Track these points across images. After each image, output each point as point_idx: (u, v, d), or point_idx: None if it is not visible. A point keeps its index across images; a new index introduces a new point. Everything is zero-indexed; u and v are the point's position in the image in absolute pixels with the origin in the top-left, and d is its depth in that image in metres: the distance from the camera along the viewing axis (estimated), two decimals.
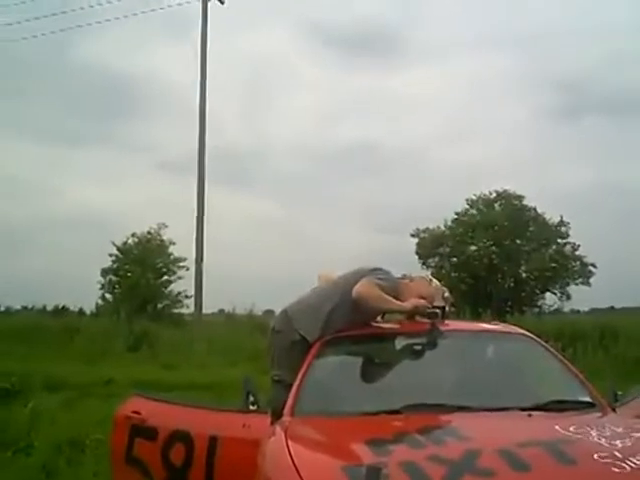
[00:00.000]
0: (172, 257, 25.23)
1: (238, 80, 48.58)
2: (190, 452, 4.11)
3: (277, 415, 3.70)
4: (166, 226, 25.22)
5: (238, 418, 4.11)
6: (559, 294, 27.57)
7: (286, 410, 3.65)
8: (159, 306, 25.04)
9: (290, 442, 3.10)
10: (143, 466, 4.36)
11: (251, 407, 4.43)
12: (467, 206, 28.44)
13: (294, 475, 2.81)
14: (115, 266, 24.78)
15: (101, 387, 11.25)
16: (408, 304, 4.03)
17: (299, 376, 3.84)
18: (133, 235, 25.21)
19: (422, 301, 4.06)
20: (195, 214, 22.31)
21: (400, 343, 4.13)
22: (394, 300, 4.00)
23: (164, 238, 25.27)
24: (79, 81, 41.99)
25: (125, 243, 25.08)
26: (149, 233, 25.18)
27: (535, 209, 27.60)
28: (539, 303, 28.09)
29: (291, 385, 3.82)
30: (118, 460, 4.54)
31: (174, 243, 25.21)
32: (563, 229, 27.43)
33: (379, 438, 3.11)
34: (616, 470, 2.75)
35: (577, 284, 27.26)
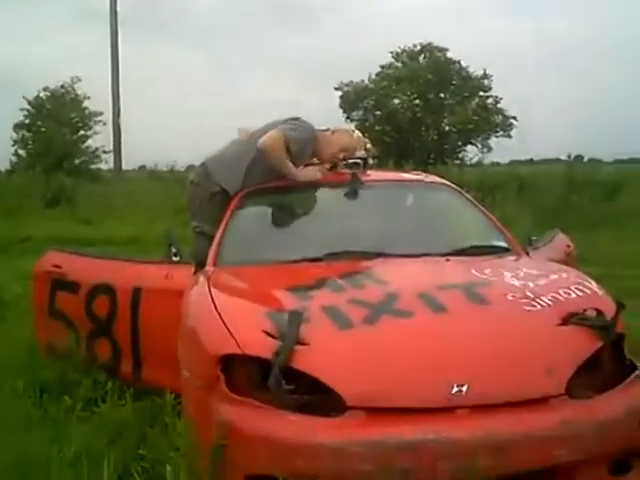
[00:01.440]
0: (87, 112, 24.41)
1: None
2: (114, 304, 4.10)
3: (200, 266, 3.71)
4: (80, 79, 24.22)
5: (161, 269, 4.10)
6: (480, 146, 28.04)
7: (209, 260, 3.65)
8: (77, 162, 24.38)
9: (213, 290, 3.12)
10: (66, 319, 4.35)
11: (174, 259, 4.41)
12: (392, 59, 28.10)
13: (217, 322, 2.84)
14: (28, 121, 23.81)
15: (19, 244, 11.04)
16: (302, 175, 3.99)
17: (221, 227, 3.83)
18: (45, 89, 24.17)
19: (317, 175, 4.03)
20: (110, 65, 21.36)
21: (321, 194, 4.13)
22: (291, 165, 3.93)
23: (78, 92, 24.32)
24: None
25: (37, 97, 24.02)
26: (62, 87, 24.16)
27: (459, 62, 27.50)
28: (461, 156, 28.55)
29: (213, 236, 3.81)
30: (41, 314, 4.51)
31: (89, 97, 24.35)
32: (486, 82, 27.51)
33: (301, 284, 3.16)
34: (527, 308, 2.89)
35: (498, 137, 27.72)
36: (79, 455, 2.98)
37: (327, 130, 4.14)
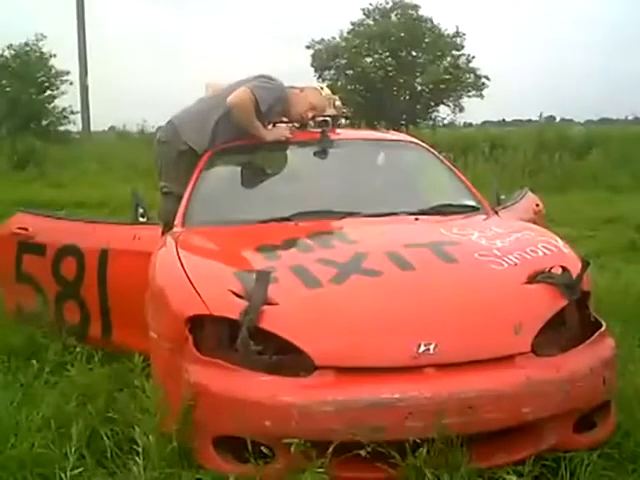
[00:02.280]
0: (54, 71, 23.86)
1: None
2: (81, 266, 4.05)
3: (168, 226, 3.67)
4: (45, 37, 23.65)
5: (128, 230, 4.04)
6: (453, 107, 28.01)
7: (176, 221, 3.62)
8: (44, 123, 23.91)
9: (181, 251, 3.09)
10: (34, 282, 4.30)
11: (141, 220, 4.36)
12: (363, 16, 27.83)
13: (185, 283, 2.82)
14: None
15: None
16: (270, 135, 3.95)
17: (189, 187, 3.78)
18: (9, 47, 23.57)
19: (284, 135, 3.99)
20: (76, 22, 20.89)
21: (291, 152, 4.09)
22: (259, 124, 3.89)
23: (44, 50, 23.75)
24: None
25: (1, 56, 23.43)
26: (27, 45, 23.57)
27: (431, 20, 27.34)
28: (433, 116, 28.52)
29: (180, 196, 3.77)
30: (7, 277, 4.45)
31: (55, 55, 23.80)
32: (458, 40, 27.38)
33: (269, 244, 3.15)
34: (494, 267, 2.91)
35: (470, 97, 27.69)
36: (47, 419, 2.96)
37: (296, 88, 4.09)
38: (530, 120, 21.41)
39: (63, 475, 2.60)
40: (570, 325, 2.81)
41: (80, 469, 2.65)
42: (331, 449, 2.36)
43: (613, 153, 14.41)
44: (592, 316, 2.88)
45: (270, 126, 4.03)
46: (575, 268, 2.88)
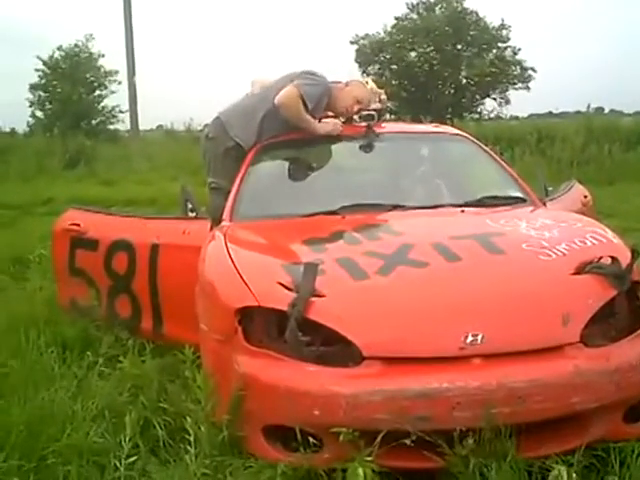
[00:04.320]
0: (103, 70, 24.22)
1: None
2: (132, 260, 4.13)
3: (216, 221, 3.72)
4: (94, 38, 24.02)
5: (178, 225, 4.10)
6: (499, 100, 27.71)
7: (225, 216, 3.67)
8: (94, 122, 24.30)
9: (230, 244, 3.14)
10: (87, 276, 4.39)
11: (190, 214, 4.43)
12: (407, 10, 27.69)
13: (234, 275, 2.87)
14: (43, 82, 23.71)
15: (41, 206, 11.09)
16: (323, 129, 3.98)
17: (237, 182, 3.84)
18: (59, 48, 23.99)
19: (337, 129, 4.01)
20: (123, 22, 21.17)
21: (336, 146, 4.11)
22: (311, 120, 3.92)
23: (93, 51, 24.14)
24: None
25: (52, 57, 23.87)
26: (76, 46, 23.97)
27: (476, 12, 27.07)
28: (479, 109, 28.26)
29: (228, 191, 3.82)
30: (61, 272, 4.56)
31: (103, 55, 24.14)
32: (504, 32, 27.08)
33: (316, 237, 3.18)
34: (542, 258, 2.89)
35: (517, 89, 27.40)
36: (102, 409, 3.04)
37: (341, 83, 4.11)
38: (578, 112, 20.98)
39: (118, 463, 2.67)
40: (620, 316, 2.77)
41: (134, 458, 2.72)
42: (379, 438, 2.38)
43: None
44: None
45: (319, 121, 4.05)
46: (625, 258, 2.85)
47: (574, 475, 2.40)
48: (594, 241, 3.04)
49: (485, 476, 2.38)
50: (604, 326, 2.71)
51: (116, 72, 23.94)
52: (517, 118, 27.67)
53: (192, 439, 2.69)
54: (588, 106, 18.43)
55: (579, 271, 2.82)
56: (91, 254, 4.32)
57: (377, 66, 27.74)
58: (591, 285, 2.77)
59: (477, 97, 27.79)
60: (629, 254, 2.90)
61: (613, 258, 2.84)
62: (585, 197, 4.89)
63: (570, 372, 2.49)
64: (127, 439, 2.73)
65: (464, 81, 27.09)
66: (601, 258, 2.86)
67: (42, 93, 24.00)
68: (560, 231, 3.16)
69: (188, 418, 2.77)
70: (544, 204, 3.92)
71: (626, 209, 9.11)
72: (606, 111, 24.87)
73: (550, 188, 4.54)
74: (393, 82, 26.09)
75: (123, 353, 3.71)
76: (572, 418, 2.54)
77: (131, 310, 4.19)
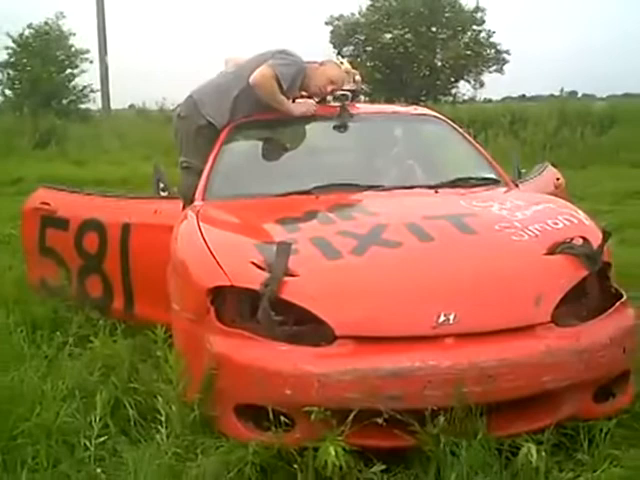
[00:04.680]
0: (74, 49, 23.86)
1: None
2: (104, 240, 4.08)
3: (188, 201, 3.69)
4: (64, 16, 23.64)
5: (150, 204, 4.07)
6: (473, 82, 27.75)
7: (197, 195, 3.64)
8: (65, 101, 23.97)
9: (202, 224, 3.12)
10: (57, 256, 4.35)
11: (162, 194, 4.38)
12: None
13: (207, 255, 2.85)
14: (13, 60, 23.31)
15: (10, 185, 10.95)
16: (297, 110, 3.95)
17: (209, 161, 3.80)
18: (30, 26, 23.58)
19: (311, 109, 3.99)
20: (95, 0, 20.87)
21: (310, 126, 4.09)
22: (285, 100, 3.89)
23: (63, 29, 23.77)
24: None
25: (22, 35, 23.46)
26: (47, 24, 23.58)
27: None
28: (453, 92, 28.27)
29: (200, 171, 3.78)
30: (31, 252, 4.51)
31: (74, 34, 23.78)
32: (479, 15, 27.06)
33: (290, 217, 3.17)
34: (514, 238, 2.91)
35: (491, 72, 27.44)
36: (72, 389, 3.01)
37: (315, 62, 4.08)
38: (552, 95, 21.13)
39: (88, 443, 2.65)
40: (591, 296, 2.81)
41: (104, 437, 2.70)
42: (351, 417, 2.39)
43: (635, 128, 14.20)
44: (613, 287, 2.88)
45: (291, 101, 4.02)
46: (596, 239, 2.88)
47: (543, 453, 2.42)
48: (566, 222, 3.06)
49: (456, 454, 2.39)
50: (575, 306, 2.74)
51: (87, 51, 23.62)
52: (491, 101, 27.79)
53: (163, 419, 2.67)
54: (561, 90, 18.62)
55: (551, 252, 2.85)
56: (62, 233, 4.28)
57: (352, 47, 27.61)
58: (563, 265, 2.79)
59: (452, 80, 27.79)
60: (600, 235, 2.93)
61: (584, 239, 2.86)
62: (557, 179, 4.92)
63: (541, 351, 2.51)
64: (97, 419, 2.71)
65: (439, 63, 27.07)
66: (573, 239, 2.88)
67: (11, 71, 23.60)
68: (532, 212, 3.17)
69: (159, 398, 2.76)
70: (517, 186, 3.94)
71: (598, 192, 9.20)
72: (579, 95, 25.06)
73: (523, 170, 4.57)
74: (368, 64, 25.99)
75: (94, 333, 3.68)
76: (542, 397, 2.57)
77: (102, 290, 4.15)
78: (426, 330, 2.52)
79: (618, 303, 2.77)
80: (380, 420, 2.37)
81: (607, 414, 2.67)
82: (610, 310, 2.73)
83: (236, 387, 2.60)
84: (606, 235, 2.92)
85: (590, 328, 2.66)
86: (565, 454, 2.59)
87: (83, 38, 23.86)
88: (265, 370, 2.51)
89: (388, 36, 26.18)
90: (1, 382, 2.99)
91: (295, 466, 2.42)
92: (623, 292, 2.85)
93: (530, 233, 2.94)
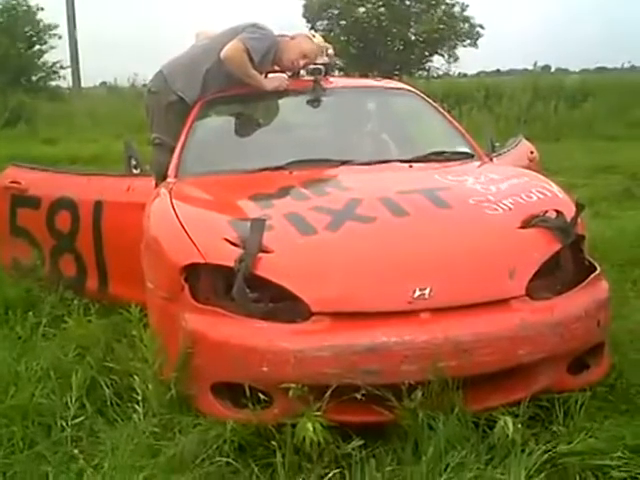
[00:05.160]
0: (42, 24, 23.46)
1: None
2: (76, 218, 4.03)
3: (161, 178, 3.65)
4: None
5: (122, 182, 4.01)
6: (447, 57, 27.69)
7: (170, 172, 3.60)
8: (34, 79, 23.58)
9: (175, 201, 3.08)
10: (29, 236, 4.29)
11: (134, 171, 4.33)
12: None
13: (180, 232, 2.82)
14: None
15: None
16: (269, 85, 3.91)
17: (181, 138, 3.76)
18: None
19: (284, 84, 3.95)
20: None
21: (283, 101, 4.05)
22: (258, 75, 3.86)
23: (31, 4, 23.33)
24: None
25: None
26: None
27: None
28: (427, 66, 28.21)
29: (172, 147, 3.74)
30: (2, 232, 4.43)
31: (42, 9, 23.37)
32: None
33: (264, 193, 3.14)
34: (488, 212, 2.91)
35: (465, 46, 27.38)
36: (47, 370, 2.99)
37: (287, 36, 4.03)
38: (526, 70, 21.17)
39: (64, 424, 2.65)
40: (565, 268, 2.82)
41: (81, 418, 2.70)
42: (328, 393, 2.38)
43: (609, 102, 14.30)
44: (586, 260, 2.89)
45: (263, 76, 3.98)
46: (569, 212, 2.89)
47: (519, 426, 2.44)
48: (540, 195, 3.07)
49: (433, 428, 2.40)
50: (549, 279, 2.75)
51: (56, 26, 23.23)
52: (465, 75, 27.80)
53: (140, 398, 2.66)
54: (535, 64, 18.62)
55: (525, 225, 2.85)
56: (33, 212, 4.21)
57: (325, 22, 27.40)
58: (536, 239, 2.80)
59: (426, 54, 27.71)
60: (574, 208, 2.94)
61: (558, 212, 2.88)
62: (531, 153, 4.93)
63: (516, 325, 2.53)
64: (73, 399, 2.71)
65: (413, 38, 26.97)
66: (546, 212, 2.89)
67: None
68: (506, 186, 3.18)
69: (135, 377, 2.74)
70: (491, 159, 3.94)
71: (571, 165, 9.26)
72: (553, 69, 25.10)
73: (497, 144, 4.57)
74: (341, 38, 25.82)
75: (68, 313, 3.65)
76: (517, 370, 2.58)
77: (75, 269, 4.11)
78: (402, 305, 2.52)
79: (592, 276, 2.78)
80: (358, 395, 2.37)
81: (582, 386, 2.69)
82: (584, 283, 2.75)
83: (212, 365, 2.59)
84: (579, 208, 2.93)
85: (564, 301, 2.68)
86: (541, 426, 2.60)
87: (52, 14, 23.44)
88: (241, 347, 2.50)
89: (362, 10, 26.00)
90: None
91: (273, 443, 2.41)
92: (597, 265, 2.86)
93: (504, 207, 2.94)
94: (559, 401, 2.63)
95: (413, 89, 4.46)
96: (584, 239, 2.92)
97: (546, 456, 2.36)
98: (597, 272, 2.82)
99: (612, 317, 2.91)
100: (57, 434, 2.63)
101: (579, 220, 2.89)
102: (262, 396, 2.47)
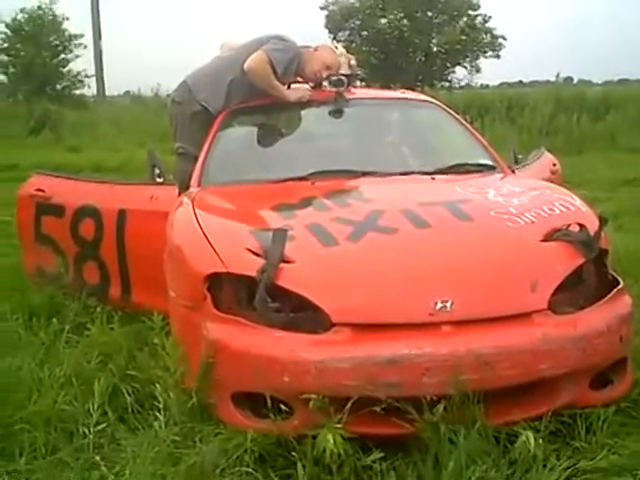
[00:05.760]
0: (67, 34, 23.75)
1: None
2: (99, 226, 4.07)
3: (184, 187, 3.68)
4: (58, 0, 23.52)
5: (145, 191, 4.04)
6: (469, 68, 27.67)
7: (193, 181, 3.63)
8: (59, 87, 23.85)
9: (198, 210, 3.11)
10: (53, 243, 4.33)
11: (157, 180, 4.36)
12: None
13: (203, 242, 2.84)
14: (6, 45, 23.17)
15: (5, 172, 10.88)
16: (292, 95, 3.93)
17: (205, 147, 3.78)
18: (23, 11, 23.45)
19: (306, 95, 3.96)
20: None
21: (306, 112, 4.07)
22: (281, 86, 3.88)
23: (57, 13, 23.63)
24: None
25: (15, 20, 23.32)
26: (39, 8, 23.46)
27: None
28: (449, 77, 28.19)
29: (195, 157, 3.77)
30: (27, 239, 4.49)
31: (68, 18, 23.68)
32: (474, 0, 26.94)
33: (286, 203, 3.16)
34: (510, 224, 2.90)
35: (487, 57, 27.35)
36: (69, 377, 3.01)
37: (310, 47, 4.05)
38: (548, 81, 21.08)
39: (86, 430, 2.66)
40: (587, 283, 2.80)
41: (103, 425, 2.71)
42: (349, 405, 2.38)
43: (632, 114, 14.18)
44: (610, 274, 2.87)
45: (286, 87, 4.00)
46: (592, 226, 2.87)
47: (541, 441, 2.42)
48: (562, 208, 3.05)
49: (454, 442, 2.39)
50: (572, 293, 2.73)
51: (81, 36, 23.55)
52: (487, 87, 27.74)
53: (161, 406, 2.67)
54: (557, 75, 18.51)
55: (547, 238, 2.84)
56: (57, 220, 4.26)
57: (347, 32, 27.47)
58: (559, 252, 2.79)
59: (448, 65, 27.70)
60: (597, 221, 2.92)
61: (581, 225, 2.86)
62: (554, 165, 4.91)
63: (538, 339, 2.51)
64: (95, 406, 2.70)
65: (435, 49, 26.97)
66: (569, 225, 2.88)
67: (5, 57, 23.47)
68: (529, 198, 3.17)
69: (157, 385, 2.75)
70: (513, 172, 3.93)
71: (593, 178, 9.18)
72: (575, 81, 25.03)
73: (520, 156, 4.56)
74: (363, 49, 25.87)
75: (91, 320, 3.67)
76: (539, 385, 2.57)
77: (99, 277, 4.14)
78: (423, 317, 2.52)
79: (615, 290, 2.76)
80: (378, 408, 2.37)
81: (604, 402, 2.67)
82: (607, 297, 2.73)
83: (233, 374, 2.59)
84: (602, 222, 2.91)
85: (587, 315, 2.66)
86: (563, 442, 2.58)
87: (77, 23, 23.76)
88: (262, 357, 2.51)
89: (383, 21, 26.05)
90: None
91: (294, 454, 2.41)
92: (620, 279, 2.84)
93: (526, 219, 2.93)
94: (581, 417, 2.61)
95: (435, 101, 4.47)
96: (607, 253, 2.90)
97: (568, 472, 2.35)
98: (620, 287, 2.80)
99: (635, 332, 2.88)
100: (79, 441, 2.65)
101: (602, 234, 2.87)
102: (283, 407, 2.47)
